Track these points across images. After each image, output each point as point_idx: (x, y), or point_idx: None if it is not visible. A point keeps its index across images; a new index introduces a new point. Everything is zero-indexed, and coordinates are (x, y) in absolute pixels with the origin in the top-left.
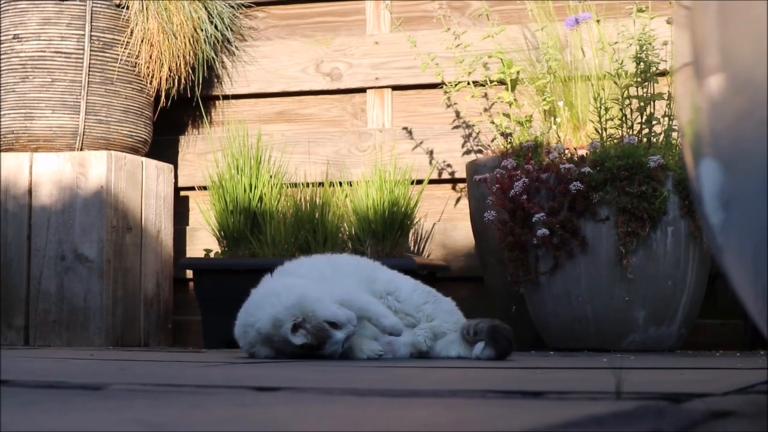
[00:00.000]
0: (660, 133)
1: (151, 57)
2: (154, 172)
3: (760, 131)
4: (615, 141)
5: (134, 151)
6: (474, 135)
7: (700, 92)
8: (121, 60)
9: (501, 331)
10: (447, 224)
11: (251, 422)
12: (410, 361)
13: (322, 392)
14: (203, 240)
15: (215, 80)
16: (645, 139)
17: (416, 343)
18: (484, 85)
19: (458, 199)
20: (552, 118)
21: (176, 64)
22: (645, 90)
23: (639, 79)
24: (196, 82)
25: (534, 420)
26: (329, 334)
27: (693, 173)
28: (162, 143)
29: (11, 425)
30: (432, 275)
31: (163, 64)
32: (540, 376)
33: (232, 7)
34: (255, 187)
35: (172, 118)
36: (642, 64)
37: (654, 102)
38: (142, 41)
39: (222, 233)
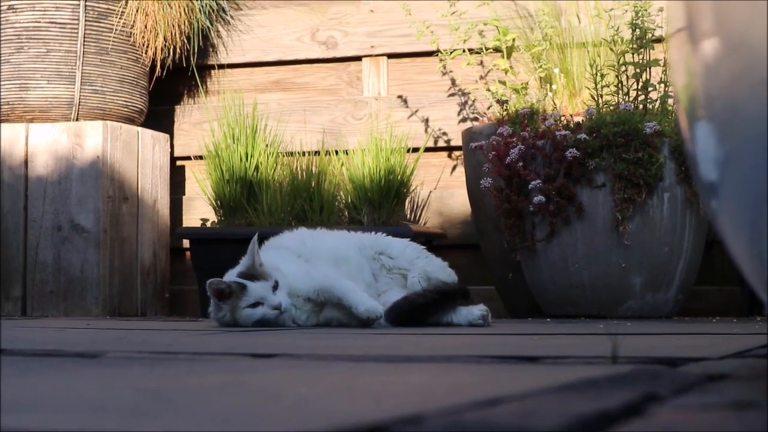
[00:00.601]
0: (656, 100)
1: (146, 26)
2: (150, 142)
3: (755, 92)
4: (611, 107)
5: (130, 121)
6: (470, 103)
7: (694, 56)
8: (116, 30)
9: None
10: (443, 192)
11: (247, 387)
12: (405, 328)
13: (317, 358)
14: (200, 209)
15: (210, 50)
16: (641, 106)
17: (411, 285)
18: (479, 53)
19: (454, 167)
20: (548, 85)
21: (171, 33)
22: (641, 56)
23: (635, 46)
24: (191, 52)
25: (530, 383)
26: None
27: (688, 136)
28: (158, 113)
29: (9, 392)
30: (428, 243)
31: (158, 33)
32: (536, 341)
33: None
34: (251, 156)
35: (167, 87)
36: (638, 30)
37: (650, 68)
38: (136, 11)
39: (218, 202)
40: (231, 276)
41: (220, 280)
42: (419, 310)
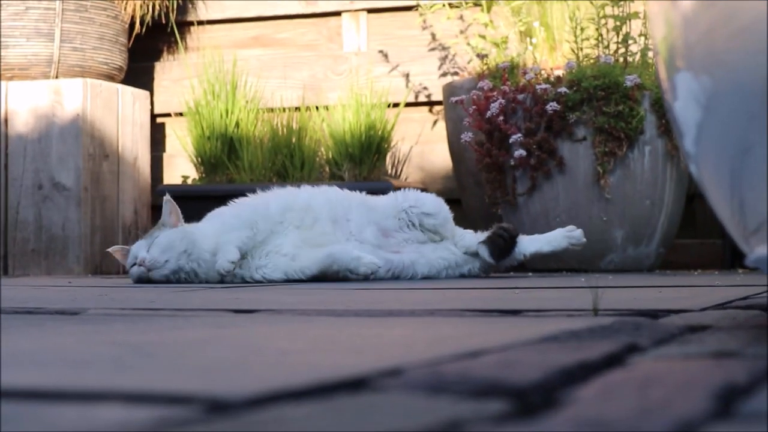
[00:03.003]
0: (636, 53)
1: None
2: (130, 99)
3: (734, 41)
4: (591, 61)
5: (110, 78)
6: (450, 57)
7: (673, 8)
8: None
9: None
10: (424, 147)
11: (229, 341)
12: (387, 282)
13: (299, 313)
14: (180, 166)
15: (190, 6)
16: (621, 59)
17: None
18: (459, 7)
19: (435, 122)
20: (528, 38)
21: None
22: (621, 9)
23: None
24: (170, 8)
25: (511, 335)
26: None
27: (667, 88)
28: (137, 70)
29: None
30: None
31: None
32: (518, 295)
33: None
34: (231, 113)
35: (147, 44)
36: None
37: (630, 21)
38: None
39: (199, 159)
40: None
41: (120, 247)
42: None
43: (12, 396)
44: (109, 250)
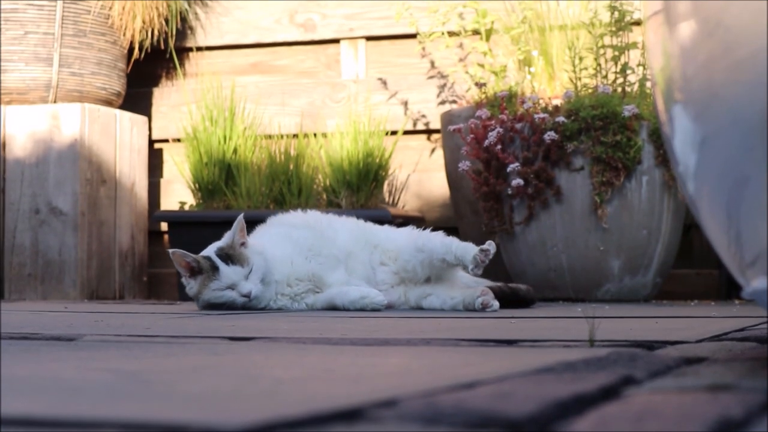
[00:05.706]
0: (634, 83)
1: (123, 8)
2: (128, 125)
3: (732, 74)
4: (589, 90)
5: (108, 103)
6: (449, 85)
7: (671, 39)
8: (93, 12)
9: None
10: (422, 175)
11: (224, 370)
12: (384, 312)
13: (295, 341)
14: (178, 192)
15: (189, 32)
16: (619, 89)
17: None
18: (458, 35)
19: (433, 150)
20: (526, 67)
21: (149, 15)
22: (619, 39)
23: (613, 29)
24: (169, 34)
25: (507, 366)
26: None
27: (665, 119)
28: (136, 95)
29: None
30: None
31: (136, 15)
32: (514, 325)
33: None
34: (229, 139)
35: (145, 70)
36: (616, 13)
37: (628, 51)
38: None
39: (196, 185)
40: (210, 251)
41: (185, 253)
42: None
43: (7, 424)
44: (172, 251)
